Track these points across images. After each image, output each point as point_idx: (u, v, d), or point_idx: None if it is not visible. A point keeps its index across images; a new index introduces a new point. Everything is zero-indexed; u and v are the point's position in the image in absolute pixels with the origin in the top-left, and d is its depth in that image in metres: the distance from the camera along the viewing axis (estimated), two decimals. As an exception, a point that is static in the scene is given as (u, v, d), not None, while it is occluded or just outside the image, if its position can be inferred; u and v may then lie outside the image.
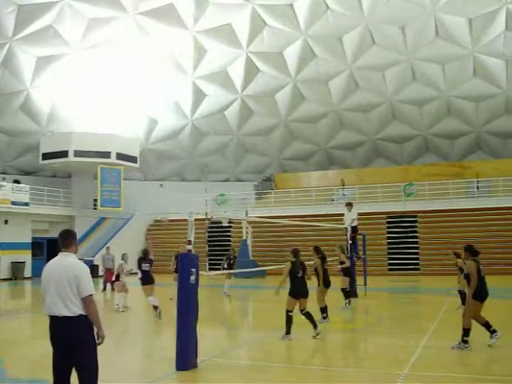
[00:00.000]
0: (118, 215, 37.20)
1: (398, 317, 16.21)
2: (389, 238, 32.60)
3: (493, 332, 10.34)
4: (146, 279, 15.58)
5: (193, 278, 9.44)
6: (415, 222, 32.54)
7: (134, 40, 34.61)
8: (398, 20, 33.56)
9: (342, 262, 16.95)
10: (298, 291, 11.80)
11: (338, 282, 16.56)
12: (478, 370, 9.17)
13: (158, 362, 10.07)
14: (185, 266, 9.53)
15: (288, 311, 11.78)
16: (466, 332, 10.26)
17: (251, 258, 31.97)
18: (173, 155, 41.00)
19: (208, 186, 37.65)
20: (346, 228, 21.08)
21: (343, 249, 17.93)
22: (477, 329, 10.60)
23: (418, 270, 30.99)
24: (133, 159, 37.27)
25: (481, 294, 10.31)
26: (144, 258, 15.80)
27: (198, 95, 38.21)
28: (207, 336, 12.12)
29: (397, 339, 12.12)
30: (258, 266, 28.77)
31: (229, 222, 34.11)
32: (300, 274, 11.83)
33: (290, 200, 36.05)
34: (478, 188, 34.20)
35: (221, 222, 33.48)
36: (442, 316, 14.81)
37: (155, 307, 14.97)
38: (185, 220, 9.98)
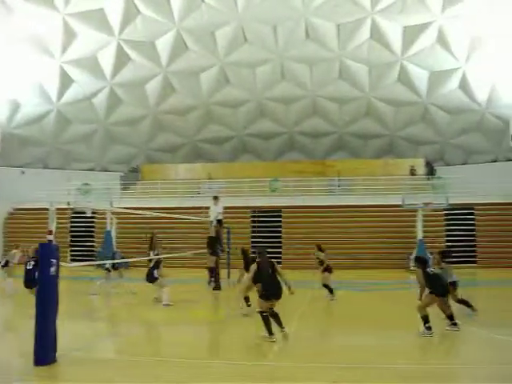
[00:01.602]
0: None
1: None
2: (253, 232, 33.20)
3: (454, 324, 11.71)
4: None
5: (53, 269, 9.18)
6: (279, 216, 33.37)
7: (-3, 17, 32.78)
8: (271, 20, 34.18)
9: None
10: (269, 292, 11.05)
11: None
12: (339, 359, 9.57)
13: (15, 356, 9.70)
14: (45, 256, 9.25)
15: (261, 312, 11.03)
16: (425, 319, 11.39)
17: (115, 250, 31.42)
18: (36, 141, 39.30)
19: (72, 174, 36.54)
20: (212, 221, 21.29)
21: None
22: (338, 321, 11.10)
23: (280, 263, 31.62)
24: (-8, 143, 35.47)
25: (437, 289, 11.65)
26: None
27: (65, 80, 36.87)
28: (68, 329, 11.82)
29: (261, 331, 12.41)
30: (122, 258, 28.31)
31: (93, 213, 33.25)
32: (269, 272, 11.20)
33: (156, 192, 35.79)
34: (339, 186, 35.66)
35: (84, 212, 32.59)
36: (305, 308, 15.34)
37: None
38: (46, 209, 9.64)
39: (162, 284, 16.29)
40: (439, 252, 14.44)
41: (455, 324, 11.77)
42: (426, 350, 10.70)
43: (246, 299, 14.46)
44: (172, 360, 9.71)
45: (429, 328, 11.31)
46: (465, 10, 31.89)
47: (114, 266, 20.06)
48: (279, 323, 11.01)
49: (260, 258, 11.53)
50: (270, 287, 11.07)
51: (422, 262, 12.12)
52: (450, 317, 11.81)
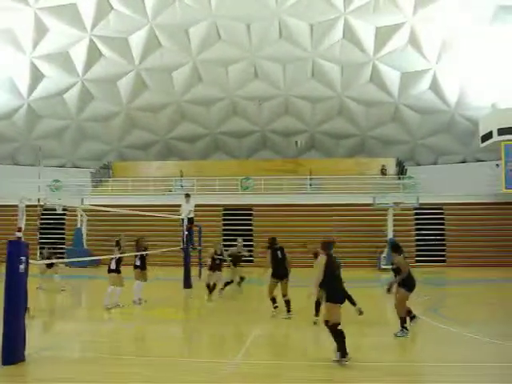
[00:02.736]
0: None
1: (231, 307, 16.61)
2: (224, 230, 33.24)
3: (412, 317, 11.64)
4: None
5: (22, 266, 9.11)
6: (250, 215, 33.47)
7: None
8: (245, 18, 34.13)
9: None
10: (341, 295, 9.25)
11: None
12: (308, 357, 9.67)
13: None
14: (14, 254, 9.17)
15: (336, 325, 8.95)
16: (404, 320, 11.35)
17: (85, 247, 31.30)
18: (6, 137, 38.80)
19: (42, 171, 36.19)
20: (183, 219, 21.26)
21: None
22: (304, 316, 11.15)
23: (251, 262, 31.84)
24: (-39, 138, 34.94)
25: (409, 283, 11.45)
26: None
27: (36, 75, 36.42)
28: (36, 328, 11.74)
29: (229, 329, 12.46)
30: (92, 255, 28.17)
31: (63, 210, 33.00)
32: (338, 272, 9.40)
33: (127, 189, 35.59)
34: (310, 185, 35.80)
35: (55, 209, 32.32)
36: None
37: None
38: (15, 206, 9.56)
39: (111, 281, 15.38)
40: (322, 243, 13.04)
41: (414, 317, 11.73)
42: (403, 348, 10.83)
43: (273, 300, 13.86)
44: (141, 358, 9.72)
45: (406, 328, 11.31)
46: (436, 11, 32.24)
47: (50, 264, 19.36)
48: (341, 347, 8.95)
49: (327, 251, 9.53)
50: (340, 289, 9.29)
51: (399, 247, 11.90)
52: (409, 311, 11.70)
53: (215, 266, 17.47)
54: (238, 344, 10.42)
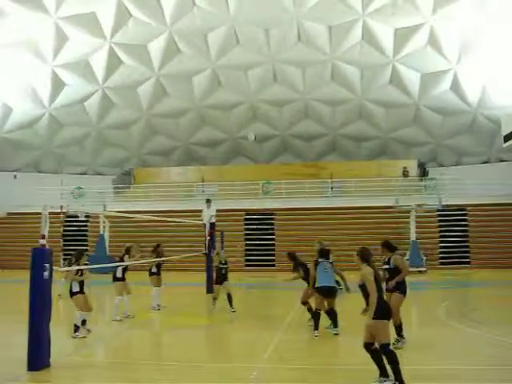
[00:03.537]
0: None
1: (253, 312, 16.58)
2: (246, 234, 33.24)
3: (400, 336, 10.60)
4: None
5: (46, 273, 9.16)
6: (272, 219, 33.41)
7: (-11, 21, 32.61)
8: (263, 23, 34.17)
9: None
10: (390, 309, 8.12)
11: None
12: (327, 361, 9.62)
13: (7, 362, 9.61)
14: (38, 261, 9.22)
15: (388, 345, 7.74)
16: (400, 328, 10.52)
17: (108, 254, 31.40)
18: (28, 145, 39.15)
19: (65, 178, 36.47)
20: (205, 224, 21.28)
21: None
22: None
23: (273, 266, 31.83)
24: (-16, 148, 35.33)
25: (404, 287, 10.61)
26: None
27: (57, 84, 36.75)
28: (61, 334, 11.78)
29: (252, 334, 12.41)
30: (115, 262, 28.23)
31: (86, 216, 33.20)
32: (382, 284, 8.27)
33: (149, 195, 35.74)
34: (331, 188, 35.66)
35: (77, 216, 32.53)
36: (296, 311, 15.32)
37: None
38: (39, 213, 9.61)
39: (118, 290, 14.81)
40: (319, 250, 12.53)
41: (401, 336, 10.81)
42: (429, 350, 10.71)
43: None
44: (164, 363, 9.72)
45: (403, 336, 10.56)
46: (456, 11, 31.97)
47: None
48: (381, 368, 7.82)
49: (368, 262, 8.18)
50: (387, 303, 8.16)
51: (394, 246, 11.03)
52: (400, 327, 10.77)
53: (222, 277, 16.00)
54: (262, 349, 10.37)
